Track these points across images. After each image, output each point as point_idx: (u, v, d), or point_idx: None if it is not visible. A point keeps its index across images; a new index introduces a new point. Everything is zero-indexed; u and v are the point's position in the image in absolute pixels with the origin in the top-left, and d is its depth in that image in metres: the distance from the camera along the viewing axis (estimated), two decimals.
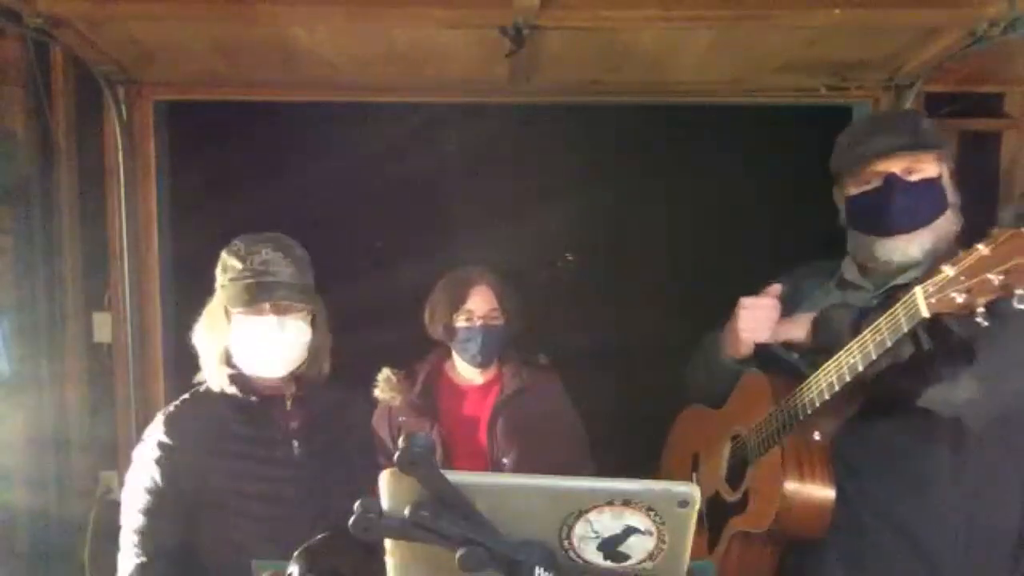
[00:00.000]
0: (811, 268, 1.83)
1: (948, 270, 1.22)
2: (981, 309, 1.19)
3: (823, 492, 1.51)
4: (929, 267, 1.47)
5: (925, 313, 1.27)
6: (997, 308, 1.20)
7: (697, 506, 0.94)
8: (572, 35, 2.26)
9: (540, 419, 2.27)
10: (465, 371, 2.33)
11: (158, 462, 1.68)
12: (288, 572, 1.27)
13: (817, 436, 1.54)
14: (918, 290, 1.28)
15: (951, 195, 1.60)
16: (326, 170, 3.42)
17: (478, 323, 2.23)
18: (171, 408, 1.78)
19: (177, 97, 2.82)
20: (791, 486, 1.51)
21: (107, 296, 2.83)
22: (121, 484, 1.77)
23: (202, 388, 1.80)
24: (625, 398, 3.72)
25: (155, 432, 1.72)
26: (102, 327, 2.84)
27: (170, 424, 1.72)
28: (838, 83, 2.73)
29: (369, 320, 2.60)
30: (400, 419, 2.27)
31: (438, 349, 2.37)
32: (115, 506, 1.77)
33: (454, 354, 2.32)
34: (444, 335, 2.28)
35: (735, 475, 1.71)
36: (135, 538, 1.67)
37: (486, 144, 3.47)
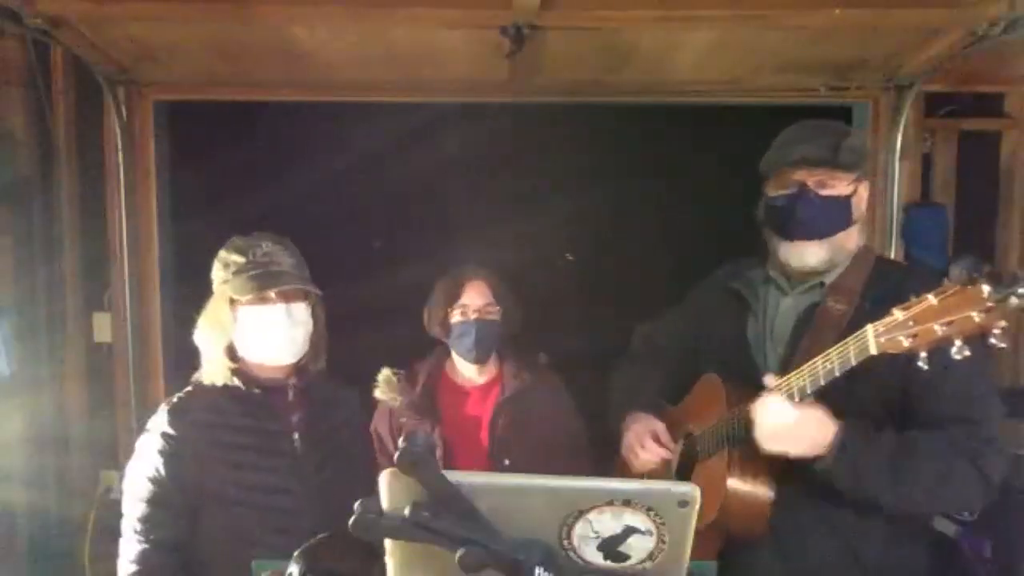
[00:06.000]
0: (735, 267, 1.96)
1: (898, 314, 1.31)
2: (923, 354, 1.28)
3: (763, 493, 1.60)
4: (834, 276, 1.67)
5: (873, 351, 1.36)
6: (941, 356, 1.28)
7: (697, 506, 0.94)
8: (572, 35, 2.26)
9: (541, 419, 2.27)
10: (466, 371, 2.33)
11: (162, 452, 1.71)
12: (288, 572, 1.27)
13: None
14: (869, 328, 1.37)
15: (858, 214, 1.70)
16: (326, 170, 3.41)
17: (473, 317, 2.23)
18: (175, 399, 1.80)
19: (177, 97, 2.82)
20: (734, 487, 1.59)
21: (107, 296, 2.83)
22: (121, 483, 1.78)
23: (204, 381, 1.82)
24: None
25: (159, 423, 1.74)
26: (102, 327, 2.84)
27: (174, 415, 1.74)
28: (838, 83, 2.74)
29: (369, 320, 2.60)
30: (401, 420, 2.26)
31: (439, 350, 2.37)
32: (115, 505, 1.78)
33: (453, 353, 2.32)
34: (441, 332, 2.28)
35: (684, 471, 1.80)
36: (137, 526, 1.69)
37: (486, 144, 3.47)
